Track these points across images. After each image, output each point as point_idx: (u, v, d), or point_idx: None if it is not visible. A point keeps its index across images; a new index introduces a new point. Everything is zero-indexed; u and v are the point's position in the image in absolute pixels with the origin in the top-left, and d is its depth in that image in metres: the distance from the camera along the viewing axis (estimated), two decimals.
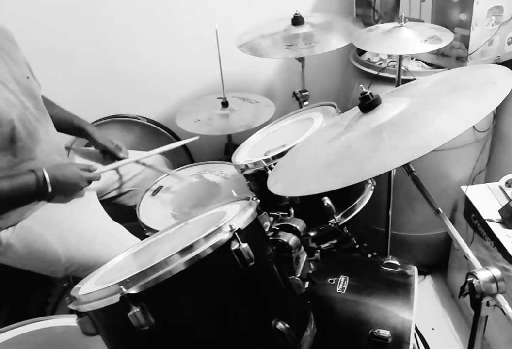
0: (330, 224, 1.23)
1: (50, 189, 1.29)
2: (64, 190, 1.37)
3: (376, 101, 0.91)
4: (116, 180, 1.64)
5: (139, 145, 2.08)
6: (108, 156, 1.60)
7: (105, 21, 1.90)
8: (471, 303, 0.78)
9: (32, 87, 1.36)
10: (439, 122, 0.79)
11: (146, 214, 1.44)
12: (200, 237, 0.74)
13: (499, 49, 1.57)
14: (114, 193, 1.65)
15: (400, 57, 1.45)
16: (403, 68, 1.53)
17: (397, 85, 1.51)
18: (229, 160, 1.54)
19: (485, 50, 1.53)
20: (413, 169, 0.94)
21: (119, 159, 1.57)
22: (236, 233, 0.75)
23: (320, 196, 1.20)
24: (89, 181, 1.41)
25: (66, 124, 1.55)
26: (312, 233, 1.24)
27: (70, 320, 1.05)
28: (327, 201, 1.19)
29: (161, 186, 1.58)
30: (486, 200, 1.58)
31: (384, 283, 1.15)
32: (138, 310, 0.69)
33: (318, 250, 1.02)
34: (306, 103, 1.71)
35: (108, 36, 1.94)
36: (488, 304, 0.77)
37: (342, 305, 1.09)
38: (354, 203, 1.28)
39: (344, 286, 1.13)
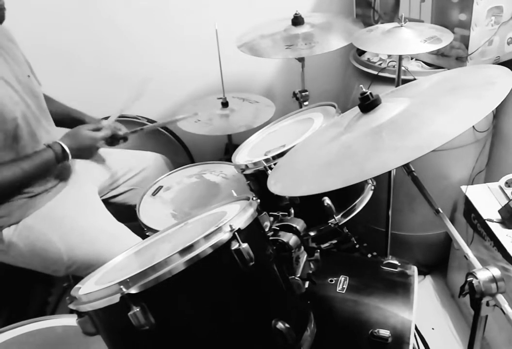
0: (330, 224, 1.23)
1: (70, 157, 1.33)
2: (82, 154, 1.39)
3: (376, 101, 0.91)
4: (117, 179, 1.65)
5: (139, 145, 2.08)
6: (109, 139, 1.56)
7: (105, 21, 1.90)
8: (471, 303, 0.79)
9: (33, 86, 1.36)
10: (439, 122, 0.79)
11: (146, 214, 1.44)
12: (200, 237, 0.74)
13: (499, 49, 1.57)
14: (114, 192, 1.65)
15: (400, 57, 1.45)
16: (403, 68, 1.53)
17: (397, 85, 1.51)
18: (229, 160, 1.54)
19: (485, 50, 1.53)
20: (413, 169, 0.95)
21: (120, 138, 1.56)
22: (236, 233, 0.75)
23: (320, 196, 1.20)
24: (103, 139, 1.42)
25: (65, 117, 1.55)
26: (312, 233, 1.24)
27: (71, 320, 1.05)
28: (327, 201, 1.19)
29: (161, 186, 1.58)
30: (486, 200, 1.58)
31: (384, 283, 1.15)
32: (138, 310, 0.69)
33: (318, 250, 1.02)
34: (306, 103, 1.71)
35: (108, 36, 1.94)
36: (487, 304, 0.77)
37: (342, 305, 1.09)
38: (354, 203, 1.28)
39: (344, 286, 1.13)
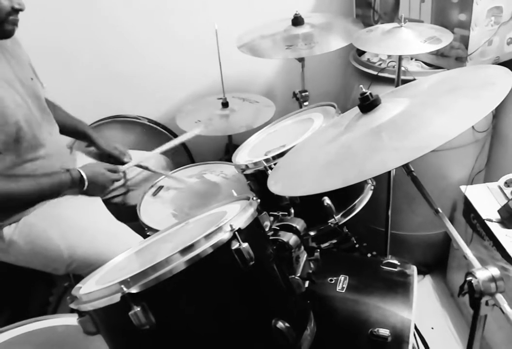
0: (330, 223, 1.23)
1: (85, 187, 1.38)
2: (93, 189, 1.42)
3: (375, 101, 0.91)
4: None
5: (140, 145, 2.08)
6: (113, 160, 1.60)
7: (106, 22, 1.91)
8: (470, 302, 0.79)
9: (36, 88, 1.36)
10: (438, 122, 0.79)
11: (147, 214, 1.44)
12: (201, 237, 0.74)
13: (499, 49, 1.57)
14: (115, 193, 1.65)
15: (400, 58, 1.45)
16: (402, 68, 1.53)
17: (397, 85, 1.51)
18: (229, 160, 1.54)
19: (484, 50, 1.53)
20: (412, 169, 0.95)
21: (123, 163, 1.58)
22: (236, 232, 0.75)
23: (320, 196, 1.20)
24: (113, 182, 1.49)
25: (70, 129, 1.57)
26: (312, 233, 1.24)
27: (71, 320, 1.05)
28: (327, 201, 1.19)
29: (162, 186, 1.58)
30: (485, 200, 1.58)
31: (383, 282, 1.15)
32: (139, 309, 0.69)
33: (318, 250, 1.02)
34: (306, 103, 1.71)
35: (109, 37, 1.94)
36: (487, 304, 0.77)
37: (342, 304, 1.09)
38: (354, 203, 1.28)
39: (343, 285, 1.13)
